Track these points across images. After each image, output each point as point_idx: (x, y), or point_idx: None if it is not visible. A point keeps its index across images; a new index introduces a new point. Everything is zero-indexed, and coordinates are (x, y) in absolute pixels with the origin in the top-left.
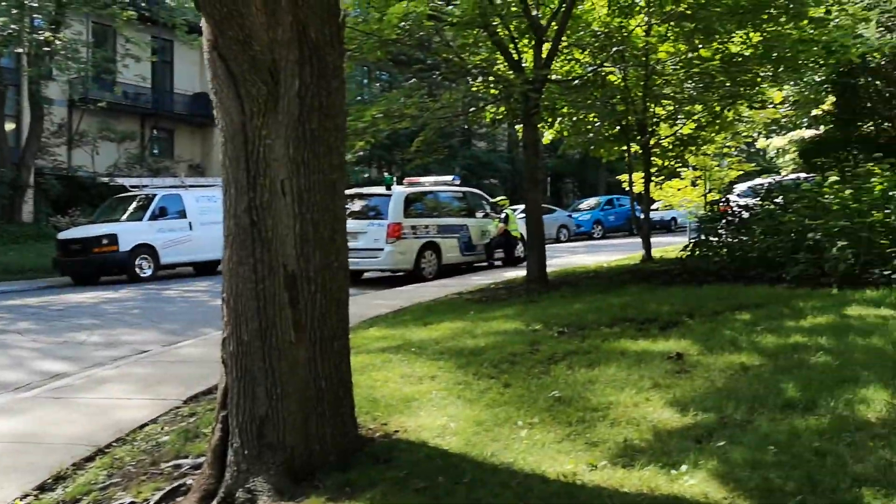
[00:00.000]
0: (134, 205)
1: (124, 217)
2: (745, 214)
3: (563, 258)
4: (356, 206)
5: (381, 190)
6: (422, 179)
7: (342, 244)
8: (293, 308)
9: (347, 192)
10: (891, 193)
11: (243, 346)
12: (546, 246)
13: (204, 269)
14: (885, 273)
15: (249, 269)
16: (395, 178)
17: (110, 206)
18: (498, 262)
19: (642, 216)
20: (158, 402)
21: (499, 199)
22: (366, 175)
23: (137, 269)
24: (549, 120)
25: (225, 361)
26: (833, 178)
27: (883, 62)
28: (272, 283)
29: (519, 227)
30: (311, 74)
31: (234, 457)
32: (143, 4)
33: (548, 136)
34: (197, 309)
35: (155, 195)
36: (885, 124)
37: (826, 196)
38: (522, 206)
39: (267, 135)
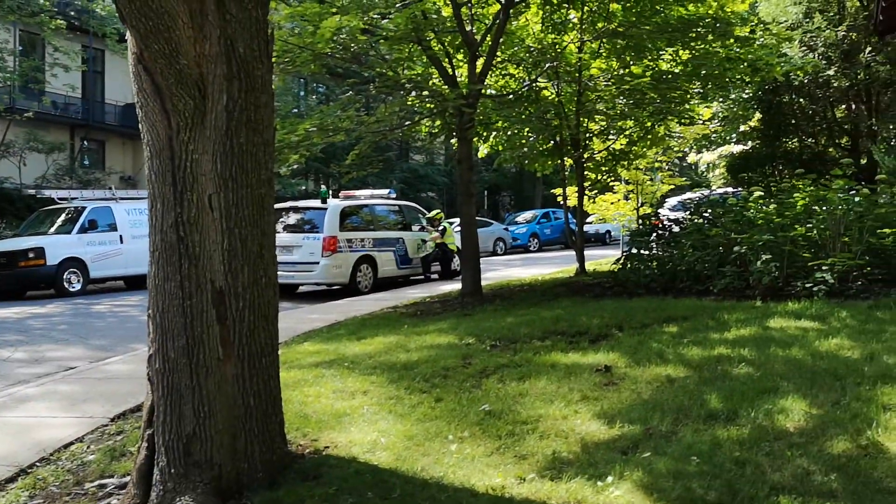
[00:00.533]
0: (62, 217)
1: (52, 230)
2: (676, 228)
3: (498, 271)
4: (291, 219)
5: (316, 203)
6: (358, 193)
7: (271, 260)
8: (221, 324)
9: (282, 205)
10: (813, 208)
11: (170, 363)
12: (482, 259)
13: (135, 283)
14: (807, 286)
15: (176, 286)
16: (330, 192)
17: (38, 219)
18: (434, 276)
19: (576, 229)
20: (84, 420)
21: (434, 212)
22: (301, 188)
23: (66, 284)
24: (484, 134)
25: (151, 379)
26: (758, 193)
27: (806, 80)
28: (200, 300)
29: (456, 240)
30: (240, 89)
31: (160, 476)
32: (72, 14)
33: (483, 150)
34: (127, 324)
35: (84, 208)
36: (809, 140)
37: (751, 210)
38: (457, 221)
39: (194, 150)
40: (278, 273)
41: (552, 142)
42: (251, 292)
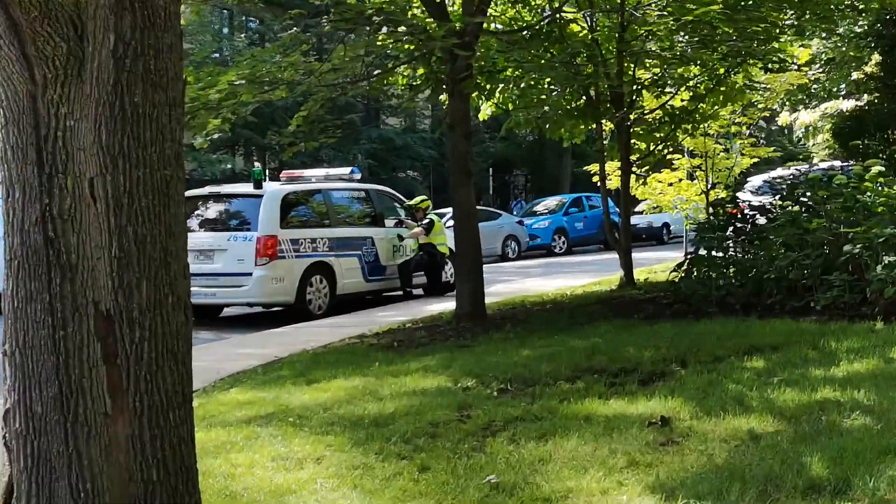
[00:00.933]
0: None
1: None
2: (762, 220)
3: (510, 283)
4: (211, 211)
5: (248, 188)
6: (307, 173)
7: (181, 270)
8: (109, 364)
9: (198, 191)
10: None
11: (35, 421)
12: (487, 266)
13: None
14: None
15: (44, 309)
16: (267, 172)
17: None
18: (418, 291)
19: (620, 222)
20: None
21: (417, 199)
22: (226, 167)
23: None
24: (487, 87)
25: (8, 444)
26: (877, 169)
27: None
28: (78, 329)
29: (448, 240)
30: (133, 26)
31: None
32: None
33: (486, 111)
34: None
35: None
36: None
37: (868, 193)
38: (450, 212)
39: (68, 113)
40: (192, 289)
41: (584, 97)
42: (153, 318)
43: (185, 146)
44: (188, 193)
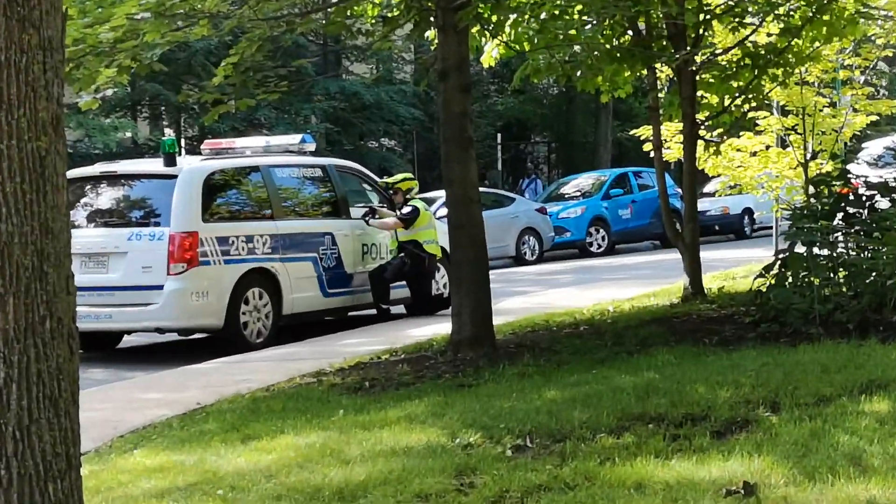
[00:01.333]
0: None
1: None
2: (884, 203)
3: (528, 296)
4: (103, 199)
5: (155, 166)
6: (239, 143)
7: (62, 282)
8: None
9: (86, 171)
10: None
11: None
12: (496, 272)
13: None
14: None
15: None
16: (183, 142)
17: None
18: (398, 309)
19: (683, 209)
20: None
21: (399, 177)
22: (125, 135)
23: None
24: (493, 20)
25: None
26: None
27: None
28: None
29: (440, 236)
30: None
31: None
32: None
33: (491, 54)
34: None
35: None
36: None
37: None
38: (442, 196)
39: None
40: (79, 310)
41: (631, 32)
42: (23, 350)
43: (66, 107)
44: (71, 174)
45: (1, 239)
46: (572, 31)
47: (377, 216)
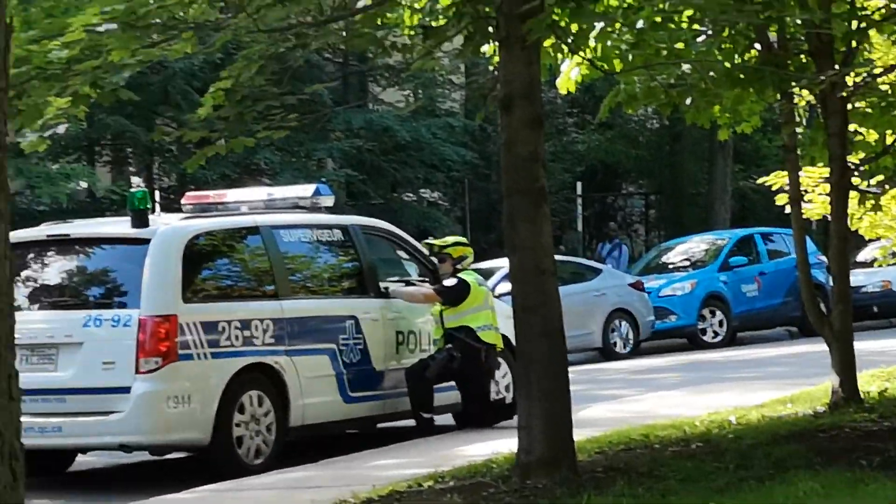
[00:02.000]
0: None
1: None
2: None
3: (621, 401)
4: (50, 271)
5: (121, 227)
6: (231, 196)
7: (1, 384)
8: None
9: (29, 234)
10: None
11: None
12: (575, 370)
13: None
14: None
15: None
16: (156, 196)
17: None
18: (444, 418)
19: (832, 283)
20: None
21: (448, 240)
22: (78, 186)
23: None
24: (572, 30)
25: None
26: None
27: None
28: None
29: (501, 320)
30: None
31: None
32: None
33: (570, 75)
34: None
35: None
36: None
37: None
38: (505, 265)
39: None
40: (22, 420)
41: (756, 46)
42: None
43: (7, 149)
44: (12, 237)
45: None
46: (679, 45)
47: (419, 292)
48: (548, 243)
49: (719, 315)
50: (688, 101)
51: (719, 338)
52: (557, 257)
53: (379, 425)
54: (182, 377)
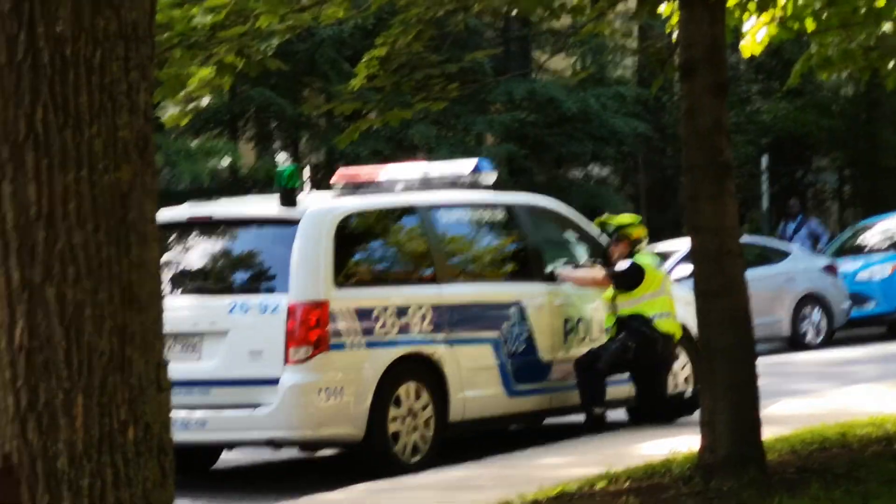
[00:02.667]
0: None
1: None
2: None
3: (813, 396)
4: (193, 255)
5: (267, 206)
6: (385, 174)
7: (151, 374)
8: None
9: (170, 216)
10: None
11: None
12: (762, 361)
13: None
14: None
15: None
16: (307, 170)
17: None
18: (616, 414)
19: None
20: None
21: (625, 218)
22: (222, 163)
23: None
24: None
25: None
26: None
27: None
28: None
29: (679, 307)
30: None
31: None
32: None
33: (756, 37)
34: None
35: None
36: None
37: None
38: (682, 247)
39: None
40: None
41: None
42: (96, 471)
43: (152, 122)
44: (159, 219)
45: (66, 311)
46: (880, 2)
47: (588, 275)
48: (732, 223)
49: None
50: (889, 64)
51: None
52: (742, 238)
53: (545, 421)
54: (334, 368)
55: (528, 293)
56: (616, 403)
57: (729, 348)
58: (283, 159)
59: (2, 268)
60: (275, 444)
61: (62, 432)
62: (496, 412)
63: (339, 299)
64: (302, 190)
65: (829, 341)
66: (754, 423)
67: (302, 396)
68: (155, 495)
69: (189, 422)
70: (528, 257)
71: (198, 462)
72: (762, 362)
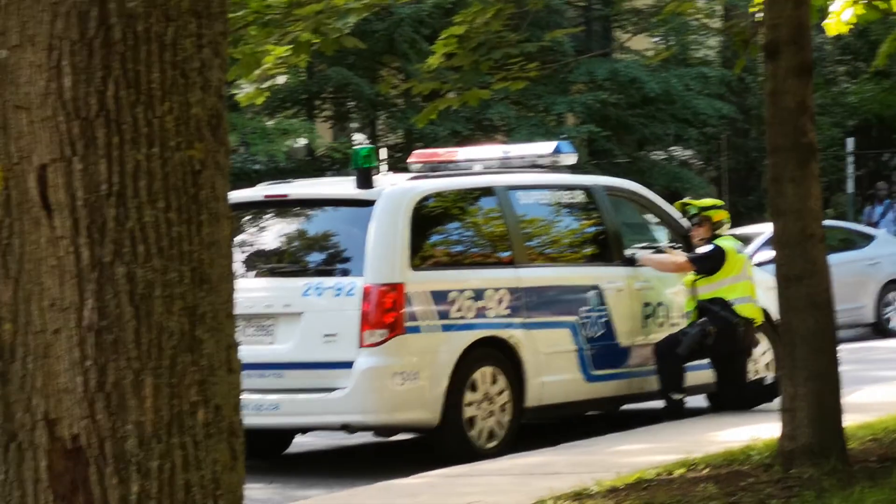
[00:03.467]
0: None
1: None
2: None
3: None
4: (268, 235)
5: (343, 187)
6: (463, 154)
7: (223, 355)
8: None
9: (244, 196)
10: None
11: None
12: (845, 347)
13: None
14: None
15: None
16: (384, 151)
17: None
18: (696, 400)
19: None
20: None
21: (707, 202)
22: (298, 142)
23: None
24: None
25: None
26: None
27: None
28: (15, 470)
29: (761, 292)
30: None
31: None
32: None
33: (841, 17)
34: None
35: None
36: None
37: None
38: (765, 231)
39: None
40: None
41: None
42: (165, 453)
43: (225, 101)
44: (233, 199)
45: (136, 290)
46: None
47: (669, 258)
48: (816, 206)
49: None
50: None
51: None
52: (826, 222)
53: (623, 406)
54: (410, 351)
55: (606, 276)
56: (695, 390)
57: (810, 334)
58: (360, 140)
59: (71, 246)
60: (349, 428)
61: (131, 413)
62: (574, 397)
63: (415, 282)
64: (378, 171)
65: None
66: (836, 411)
67: (376, 380)
68: (225, 478)
69: (262, 405)
70: (607, 240)
71: (270, 446)
72: (845, 349)
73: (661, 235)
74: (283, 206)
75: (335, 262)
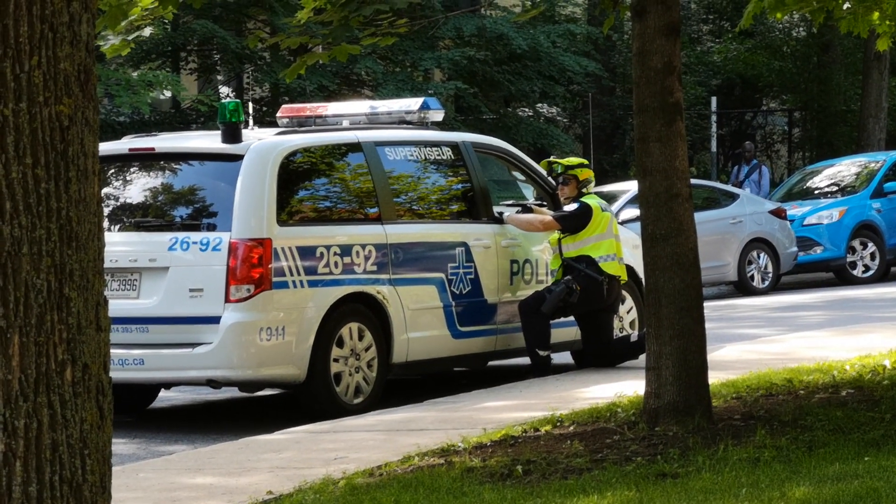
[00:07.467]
0: None
1: None
2: None
3: (759, 341)
4: (133, 189)
5: (210, 141)
6: (331, 110)
7: (90, 314)
8: None
9: (110, 149)
10: None
11: None
12: (709, 305)
13: None
14: None
15: None
16: (249, 108)
17: None
18: (562, 356)
19: None
20: None
21: (572, 160)
22: (163, 94)
23: None
24: None
25: None
26: None
27: None
28: None
29: (627, 251)
30: None
31: None
32: None
33: None
34: None
35: None
36: None
37: None
38: (630, 189)
39: None
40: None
41: None
42: (33, 412)
43: (94, 52)
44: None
45: (3, 248)
46: None
47: (528, 212)
48: (682, 166)
49: (871, 247)
50: (846, 5)
51: (871, 272)
52: (693, 182)
53: (490, 363)
54: (276, 307)
55: (473, 234)
56: (561, 346)
57: (676, 293)
58: (226, 93)
59: None
60: (215, 383)
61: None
62: (440, 354)
63: (281, 237)
64: (245, 125)
65: (776, 286)
66: (701, 370)
67: (243, 335)
68: (93, 437)
69: (126, 360)
70: (475, 197)
71: (135, 401)
72: (708, 306)
73: (529, 193)
74: (148, 160)
75: (201, 216)
